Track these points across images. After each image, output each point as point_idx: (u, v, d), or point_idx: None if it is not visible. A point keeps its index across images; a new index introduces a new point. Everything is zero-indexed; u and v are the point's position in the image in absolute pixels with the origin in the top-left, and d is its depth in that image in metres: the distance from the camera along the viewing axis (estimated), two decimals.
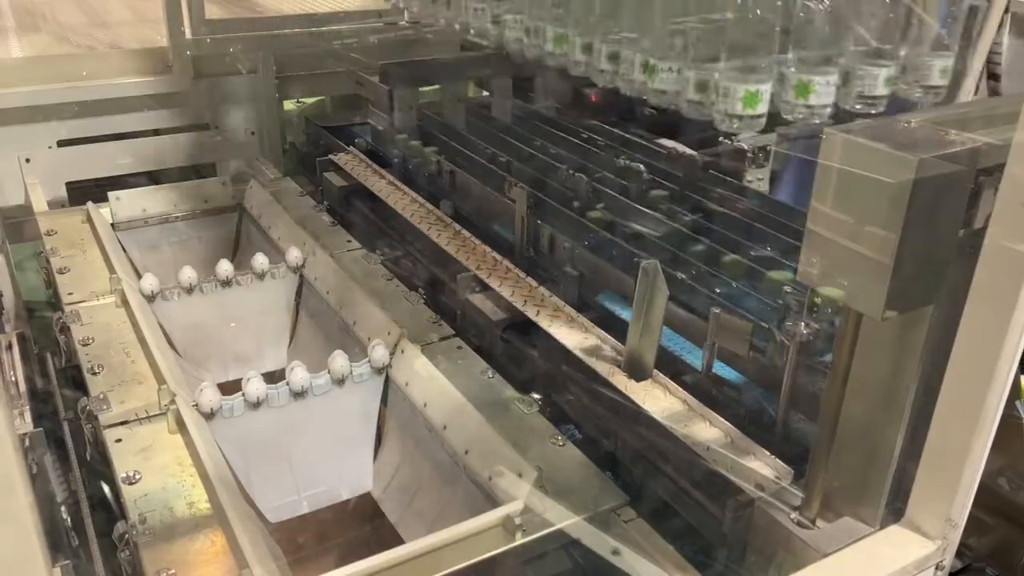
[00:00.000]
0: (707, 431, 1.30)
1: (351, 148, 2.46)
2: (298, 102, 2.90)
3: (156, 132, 2.63)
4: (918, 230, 0.93)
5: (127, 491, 1.30)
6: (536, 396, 1.49)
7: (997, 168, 0.90)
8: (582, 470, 1.33)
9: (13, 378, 1.72)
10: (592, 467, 1.33)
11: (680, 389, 1.38)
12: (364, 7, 2.94)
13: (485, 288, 1.75)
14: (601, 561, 1.22)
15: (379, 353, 1.64)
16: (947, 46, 1.24)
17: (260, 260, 2.04)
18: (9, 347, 1.82)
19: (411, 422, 1.61)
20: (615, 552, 1.22)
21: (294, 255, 2.06)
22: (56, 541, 1.48)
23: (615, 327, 1.53)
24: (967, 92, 1.29)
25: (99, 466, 1.47)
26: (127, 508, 1.27)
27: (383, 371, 1.66)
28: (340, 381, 1.62)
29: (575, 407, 1.50)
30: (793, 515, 1.14)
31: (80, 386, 1.60)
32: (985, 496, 1.05)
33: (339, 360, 1.62)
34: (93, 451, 1.49)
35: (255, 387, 1.54)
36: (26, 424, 1.59)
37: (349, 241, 2.13)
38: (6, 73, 2.48)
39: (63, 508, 1.56)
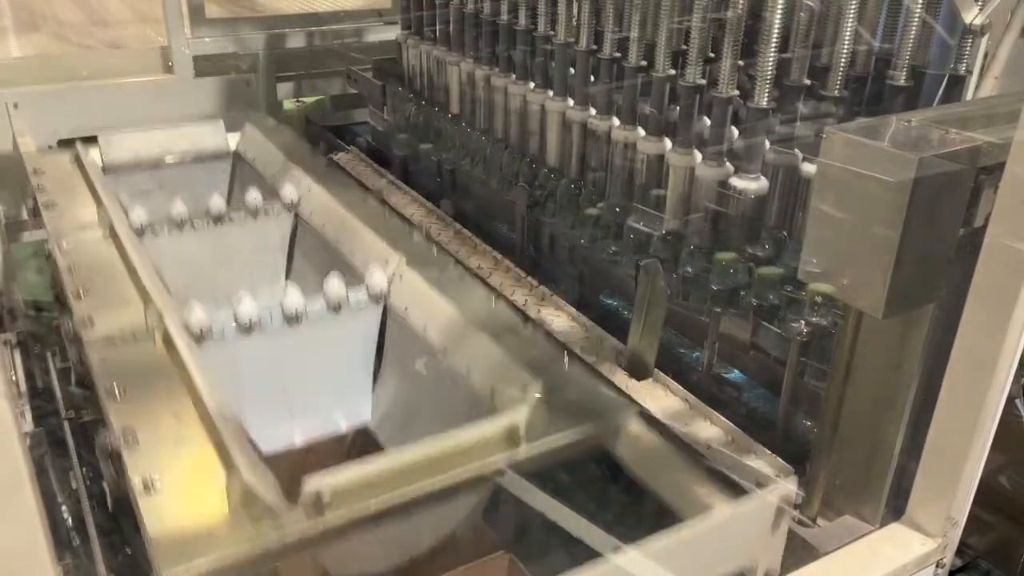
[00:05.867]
0: (708, 429, 1.30)
1: (351, 148, 2.46)
2: (298, 101, 2.90)
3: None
4: (919, 229, 0.93)
5: (110, 404, 1.23)
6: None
7: (997, 167, 0.90)
8: (589, 385, 1.30)
9: (14, 378, 1.72)
10: (599, 382, 1.31)
11: (681, 388, 1.38)
12: (364, 6, 2.94)
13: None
14: (612, 468, 1.20)
15: (377, 278, 1.55)
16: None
17: (253, 196, 1.94)
18: (10, 346, 1.82)
19: (411, 350, 1.54)
20: (625, 459, 1.20)
21: (289, 191, 1.96)
22: (57, 540, 1.48)
23: (616, 326, 1.53)
24: (987, 84, 1.28)
25: (85, 390, 1.41)
26: (110, 419, 1.21)
27: (381, 299, 1.57)
28: (336, 308, 1.53)
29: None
30: (794, 513, 1.14)
31: (81, 385, 1.60)
32: (985, 494, 1.05)
33: (335, 283, 1.52)
34: (78, 379, 1.43)
35: (247, 308, 1.46)
36: (27, 424, 1.59)
37: (346, 182, 2.06)
38: (7, 73, 2.48)
39: (64, 508, 1.56)
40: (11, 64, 2.57)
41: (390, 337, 1.62)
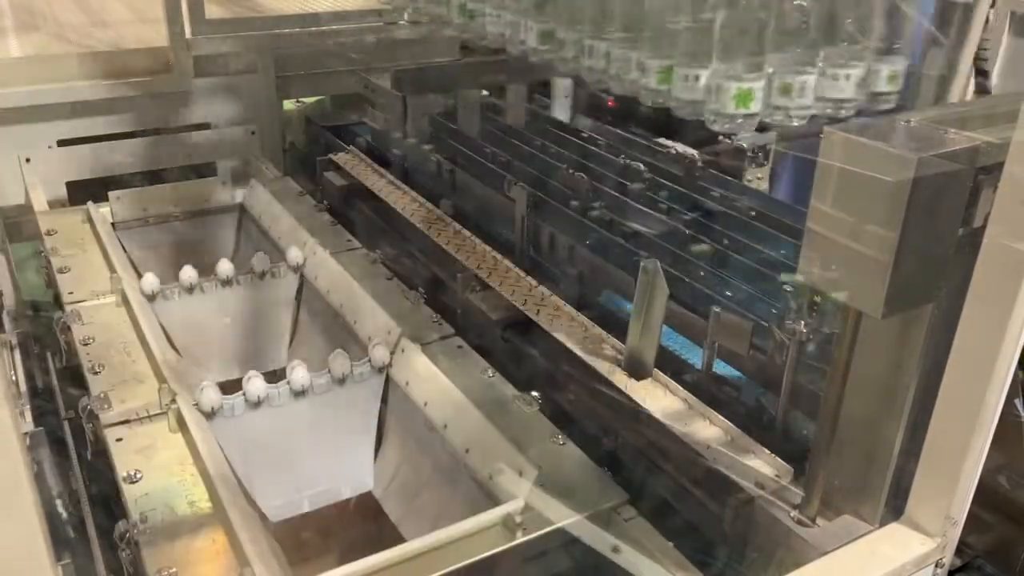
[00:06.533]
0: (707, 429, 1.31)
1: (351, 147, 2.46)
2: (298, 102, 2.90)
3: (156, 132, 2.63)
4: (917, 229, 0.93)
5: (128, 490, 1.30)
6: (536, 394, 1.49)
7: (996, 167, 0.90)
8: (582, 468, 1.33)
9: (14, 377, 1.72)
10: (592, 465, 1.34)
11: (680, 388, 1.38)
12: (364, 6, 2.94)
13: (485, 287, 1.75)
14: (601, 559, 1.22)
15: (379, 353, 1.65)
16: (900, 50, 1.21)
17: (260, 259, 2.05)
18: (10, 347, 1.82)
19: (411, 421, 1.61)
20: (615, 550, 1.22)
21: (294, 254, 2.07)
22: (57, 540, 1.48)
23: (615, 326, 1.54)
24: (957, 90, 1.28)
25: (100, 465, 1.47)
26: (128, 507, 1.27)
27: (383, 371, 1.66)
28: (340, 380, 1.62)
29: (575, 405, 1.50)
30: (793, 513, 1.14)
31: (81, 385, 1.61)
32: (984, 494, 1.05)
33: (340, 360, 1.62)
34: (94, 450, 1.49)
35: (256, 386, 1.54)
36: (27, 423, 1.59)
37: (349, 240, 2.14)
38: (6, 72, 2.48)
39: (62, 507, 1.56)
40: (11, 64, 2.57)
41: (392, 405, 1.69)
